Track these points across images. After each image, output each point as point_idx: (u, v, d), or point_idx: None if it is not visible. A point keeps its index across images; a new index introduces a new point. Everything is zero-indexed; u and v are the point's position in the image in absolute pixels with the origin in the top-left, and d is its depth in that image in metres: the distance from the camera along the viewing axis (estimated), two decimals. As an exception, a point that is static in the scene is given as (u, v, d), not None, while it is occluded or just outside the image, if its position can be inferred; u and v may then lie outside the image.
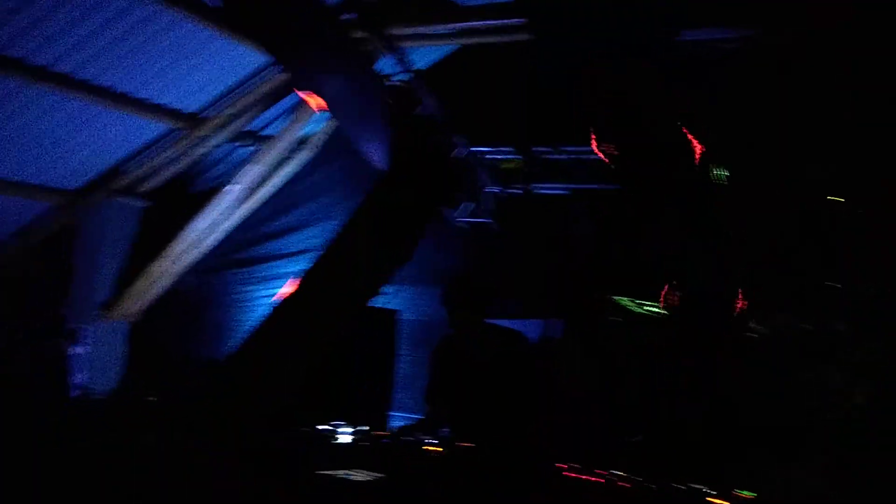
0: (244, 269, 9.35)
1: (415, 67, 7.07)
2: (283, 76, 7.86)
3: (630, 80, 5.95)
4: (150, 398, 4.58)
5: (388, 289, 6.55)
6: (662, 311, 7.85)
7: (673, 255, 7.32)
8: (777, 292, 7.42)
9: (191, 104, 8.08)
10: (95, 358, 8.43)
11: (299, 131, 8.41)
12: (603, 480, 4.07)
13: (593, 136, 5.81)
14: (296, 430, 4.86)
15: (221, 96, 8.13)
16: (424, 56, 8.12)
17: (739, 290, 7.49)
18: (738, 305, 7.52)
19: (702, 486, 3.82)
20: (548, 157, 7.81)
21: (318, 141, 8.82)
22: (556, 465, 4.21)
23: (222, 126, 8.30)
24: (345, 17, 7.00)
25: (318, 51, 6.32)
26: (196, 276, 9.06)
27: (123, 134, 8.05)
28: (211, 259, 9.04)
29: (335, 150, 8.86)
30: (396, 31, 7.11)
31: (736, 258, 7.00)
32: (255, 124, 8.64)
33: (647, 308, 8.30)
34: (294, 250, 9.26)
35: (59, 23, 6.47)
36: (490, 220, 7.79)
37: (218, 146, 8.57)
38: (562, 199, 8.07)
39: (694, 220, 6.87)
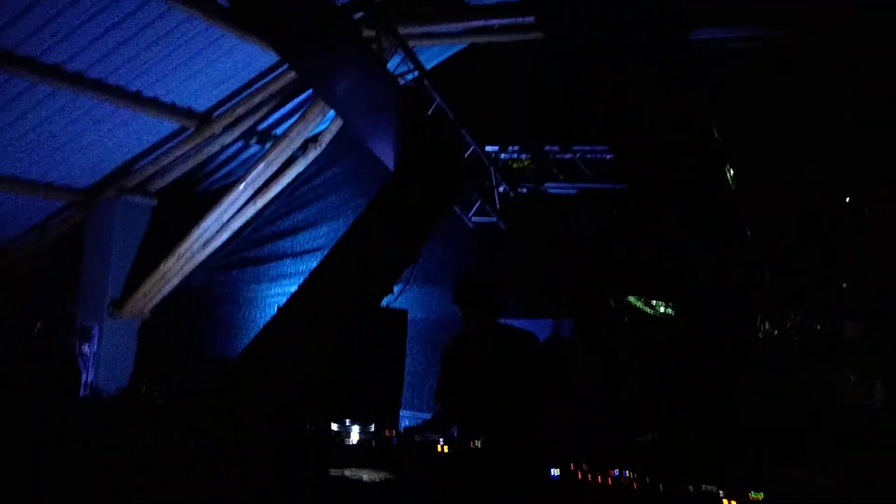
0: (254, 268, 9.36)
1: (425, 66, 7.07)
2: (293, 75, 7.88)
3: (631, 79, 5.95)
4: (158, 399, 4.59)
5: (397, 287, 6.54)
6: (672, 312, 7.84)
7: (676, 255, 7.32)
8: (783, 293, 7.42)
9: (201, 103, 8.11)
10: (105, 356, 8.48)
11: (308, 130, 8.42)
12: (613, 481, 4.07)
13: None
14: (305, 429, 4.86)
15: (231, 95, 8.16)
16: (434, 55, 8.12)
17: (747, 290, 7.49)
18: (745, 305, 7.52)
19: (714, 487, 3.80)
20: (557, 156, 7.80)
21: (326, 140, 8.83)
22: (568, 464, 4.21)
23: (232, 125, 8.32)
24: (355, 16, 7.02)
25: (327, 50, 6.32)
26: (206, 274, 9.10)
27: (134, 132, 8.08)
28: (220, 257, 9.07)
29: (344, 149, 8.87)
30: (406, 30, 7.11)
31: (740, 257, 6.99)
32: (265, 123, 8.66)
33: (658, 308, 8.29)
34: (303, 249, 9.27)
35: (71, 22, 6.50)
36: (498, 219, 7.78)
37: (228, 145, 8.60)
38: (570, 198, 8.06)
39: (696, 219, 6.87)
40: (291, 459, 4.25)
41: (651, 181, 6.65)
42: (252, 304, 9.30)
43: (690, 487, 3.70)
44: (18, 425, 4.31)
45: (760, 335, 7.38)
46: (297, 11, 5.95)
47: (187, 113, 8.12)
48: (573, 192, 7.94)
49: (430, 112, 6.69)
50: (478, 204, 7.59)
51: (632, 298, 8.47)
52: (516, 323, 5.23)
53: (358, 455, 4.48)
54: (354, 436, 4.63)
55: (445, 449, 4.31)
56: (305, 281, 6.90)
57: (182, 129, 8.29)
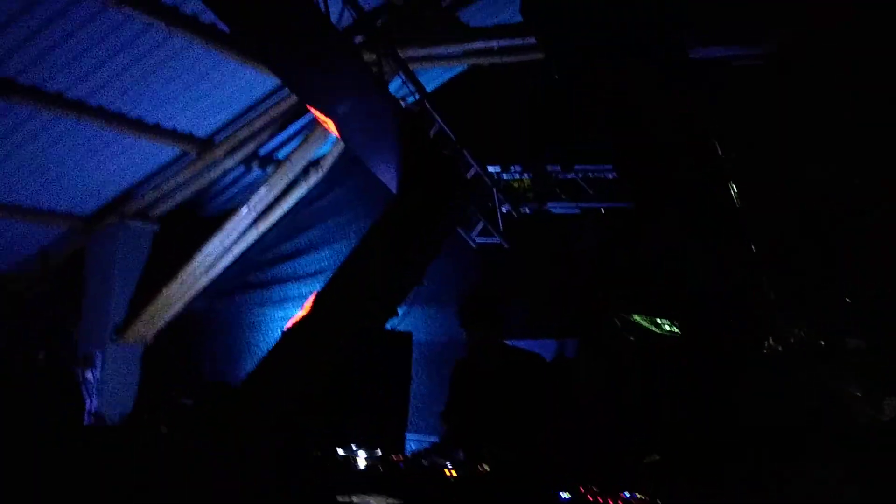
0: (257, 292, 9.35)
1: (426, 88, 7.08)
2: (294, 99, 7.89)
3: (631, 79, 5.93)
4: (163, 427, 4.56)
5: (402, 310, 6.52)
6: (678, 330, 7.81)
7: (677, 256, 7.29)
8: (784, 298, 7.39)
9: (202, 128, 8.12)
10: (109, 382, 8.44)
11: (310, 154, 8.44)
12: (623, 503, 4.03)
13: None
14: (312, 455, 4.83)
15: (233, 120, 8.18)
16: (435, 77, 8.14)
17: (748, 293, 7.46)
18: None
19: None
20: (559, 175, 7.80)
21: (328, 163, 8.83)
22: (578, 486, 4.17)
23: (234, 150, 8.33)
24: (355, 39, 7.03)
25: (328, 74, 6.33)
26: (209, 299, 9.07)
27: (136, 158, 8.09)
28: (224, 282, 9.05)
29: (346, 173, 8.87)
30: (407, 53, 7.13)
31: (740, 260, 6.96)
32: (267, 147, 8.68)
33: (663, 326, 8.26)
34: (307, 272, 9.26)
35: (72, 49, 6.52)
36: (502, 240, 7.76)
37: (229, 170, 8.60)
38: (573, 217, 8.05)
39: (697, 221, 6.85)
40: (298, 486, 4.22)
41: (651, 183, 6.62)
42: (256, 329, 9.28)
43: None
44: (24, 454, 4.28)
45: (765, 350, 7.35)
46: (297, 36, 5.96)
47: (188, 138, 8.13)
48: (576, 211, 7.94)
49: (431, 134, 6.68)
50: (481, 224, 7.58)
51: (637, 317, 8.44)
52: (521, 343, 5.21)
53: (365, 481, 4.44)
54: (361, 461, 4.59)
55: (453, 473, 4.27)
56: (313, 303, 6.88)
57: (183, 155, 8.30)
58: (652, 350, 8.11)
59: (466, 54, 7.58)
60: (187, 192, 8.65)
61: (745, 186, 6.35)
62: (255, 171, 8.96)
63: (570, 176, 7.71)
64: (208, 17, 6.58)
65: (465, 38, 7.53)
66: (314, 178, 8.85)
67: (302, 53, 6.11)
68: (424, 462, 4.50)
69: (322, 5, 6.07)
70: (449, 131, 6.80)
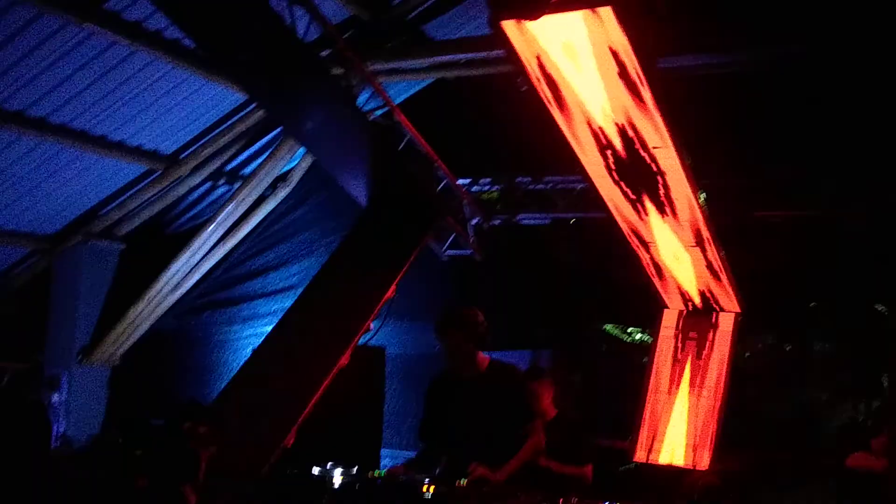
0: (226, 310, 9.25)
1: (394, 101, 7.07)
2: (260, 114, 7.83)
3: None
4: (136, 450, 4.46)
5: (375, 324, 6.48)
6: (647, 339, 7.86)
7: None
8: (758, 311, 7.46)
9: (168, 145, 8.02)
10: (75, 405, 8.28)
11: (277, 169, 8.36)
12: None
13: None
14: (287, 474, 4.76)
15: (198, 136, 8.07)
16: (403, 90, 8.12)
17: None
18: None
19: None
20: (529, 187, 7.82)
21: (296, 178, 8.76)
22: (557, 498, 4.16)
23: (200, 166, 8.23)
24: (322, 53, 7.00)
25: (296, 88, 6.29)
26: (177, 317, 8.95)
27: (100, 177, 7.97)
28: (191, 300, 8.94)
29: (314, 188, 8.82)
30: (374, 67, 7.11)
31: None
32: (233, 163, 8.59)
33: (634, 335, 8.31)
34: (276, 289, 9.19)
35: (33, 68, 6.40)
36: (473, 252, 7.76)
37: (195, 186, 8.50)
38: (544, 228, 8.08)
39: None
40: (274, 506, 4.15)
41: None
42: (225, 347, 9.18)
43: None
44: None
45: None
46: (264, 51, 5.92)
47: (154, 155, 8.02)
48: (546, 222, 7.97)
49: (401, 147, 6.66)
50: (452, 237, 7.57)
51: (608, 327, 8.49)
52: (495, 355, 5.18)
53: (342, 499, 4.39)
54: (337, 479, 4.52)
55: (431, 489, 4.23)
56: (280, 321, 6.82)
57: (149, 172, 8.18)
58: (625, 361, 8.17)
59: (433, 67, 7.56)
60: (153, 210, 8.53)
61: (713, 199, 6.39)
62: (222, 188, 8.86)
63: (539, 187, 7.73)
64: (172, 32, 6.51)
65: (432, 51, 7.52)
66: (282, 193, 8.77)
67: (269, 67, 6.08)
68: (402, 478, 4.46)
69: (288, 19, 6.04)
70: (418, 144, 6.78)
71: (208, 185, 8.69)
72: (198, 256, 8.51)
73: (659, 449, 6.99)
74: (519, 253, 8.12)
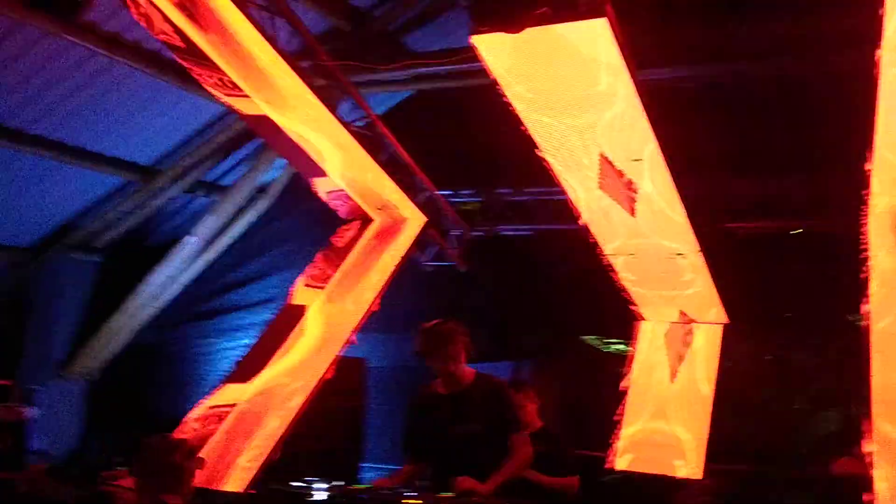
0: (205, 322, 9.18)
1: (375, 112, 7.05)
2: (240, 125, 7.79)
3: None
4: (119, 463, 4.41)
5: (356, 336, 6.44)
6: (628, 350, 7.87)
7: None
8: (737, 321, 7.51)
9: (146, 156, 7.97)
10: (52, 419, 8.17)
11: (257, 180, 8.33)
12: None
13: None
14: (269, 489, 4.72)
15: (177, 147, 8.04)
16: (385, 100, 8.12)
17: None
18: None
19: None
20: (510, 198, 7.83)
21: (276, 190, 8.73)
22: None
23: (179, 177, 8.19)
24: (302, 64, 6.97)
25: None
26: (155, 330, 8.86)
27: (78, 188, 7.91)
28: (171, 313, 8.85)
29: (294, 200, 8.77)
30: (354, 78, 7.09)
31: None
32: (213, 174, 8.55)
33: (614, 346, 8.32)
34: (255, 301, 9.13)
35: (9, 79, 6.36)
36: (455, 263, 7.75)
37: (174, 198, 8.45)
38: (525, 239, 8.08)
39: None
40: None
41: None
42: (203, 360, 9.10)
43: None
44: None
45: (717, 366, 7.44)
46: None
47: (132, 167, 7.98)
48: (527, 233, 7.97)
49: (383, 158, 6.64)
50: (434, 249, 7.56)
51: (588, 338, 8.50)
52: (476, 367, 5.17)
53: (325, 514, 4.35)
54: (319, 494, 4.48)
55: (415, 503, 4.20)
56: (262, 338, 6.76)
57: (127, 184, 8.13)
58: (604, 369, 8.19)
59: (414, 79, 7.56)
60: (132, 222, 8.47)
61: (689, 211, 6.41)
62: (202, 199, 8.81)
63: (520, 198, 7.74)
64: (152, 44, 6.47)
65: (412, 62, 7.51)
66: (262, 205, 8.73)
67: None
68: (386, 491, 4.42)
69: (269, 29, 6.01)
70: (400, 155, 6.78)
71: (187, 196, 8.64)
72: (177, 268, 8.46)
73: (639, 458, 6.99)
74: (500, 264, 8.12)
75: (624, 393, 7.41)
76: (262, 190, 8.65)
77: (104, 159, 7.68)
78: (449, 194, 7.74)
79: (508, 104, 5.15)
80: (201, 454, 4.75)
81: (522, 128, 5.33)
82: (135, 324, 8.55)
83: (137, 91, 7.01)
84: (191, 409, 6.20)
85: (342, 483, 4.61)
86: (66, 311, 8.46)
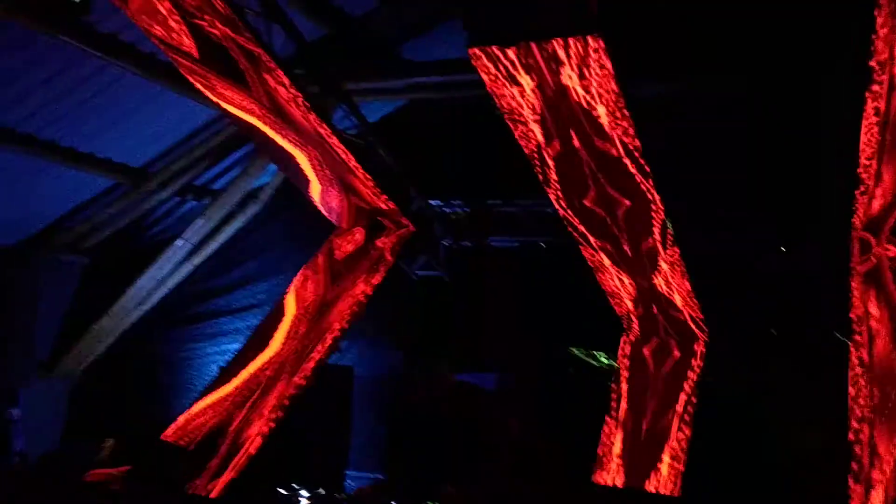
0: (191, 326, 9.14)
1: (368, 120, 7.08)
2: (232, 130, 7.79)
3: None
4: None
5: (343, 344, 6.45)
6: (614, 363, 7.89)
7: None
8: (721, 338, 7.55)
9: (137, 158, 7.95)
10: (34, 420, 8.10)
11: (248, 185, 8.32)
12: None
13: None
14: (254, 495, 4.71)
15: (169, 150, 8.03)
16: (378, 109, 8.14)
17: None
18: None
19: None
20: (499, 209, 7.86)
21: (266, 195, 8.71)
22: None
23: (169, 180, 8.16)
24: (297, 71, 6.98)
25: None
26: (141, 333, 8.82)
27: (67, 189, 7.87)
28: (157, 316, 8.81)
29: (283, 205, 8.76)
30: (349, 86, 7.12)
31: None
32: (203, 178, 8.53)
33: (600, 359, 8.34)
34: (241, 306, 9.11)
35: (1, 78, 6.32)
36: (443, 273, 7.77)
37: (164, 200, 8.42)
38: (513, 250, 8.11)
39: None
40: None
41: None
42: (189, 364, 9.07)
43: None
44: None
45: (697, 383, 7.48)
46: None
47: (123, 168, 7.95)
48: (515, 245, 8.00)
49: (373, 165, 6.67)
50: (423, 258, 7.57)
51: (574, 350, 8.52)
52: (462, 377, 5.19)
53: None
54: (304, 501, 4.49)
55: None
56: (248, 340, 6.76)
57: (117, 185, 8.10)
58: (590, 382, 8.21)
59: (408, 88, 7.59)
60: (120, 224, 8.43)
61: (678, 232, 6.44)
62: (191, 203, 8.79)
63: (510, 210, 7.77)
64: (147, 46, 6.46)
65: (408, 72, 7.54)
66: (252, 210, 8.71)
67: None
68: (371, 500, 4.43)
69: (265, 36, 6.03)
70: (391, 163, 6.80)
71: (177, 199, 8.62)
72: (164, 272, 8.43)
73: (624, 473, 7.01)
74: (488, 274, 8.14)
75: (610, 407, 7.43)
76: (252, 195, 8.63)
77: (95, 160, 7.65)
78: (439, 203, 7.78)
79: (501, 115, 5.19)
80: (186, 458, 4.75)
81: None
82: (121, 326, 8.51)
83: (132, 93, 6.99)
84: (176, 412, 6.19)
85: (325, 492, 4.62)
86: (49, 312, 8.39)
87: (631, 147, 5.31)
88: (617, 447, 7.25)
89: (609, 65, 4.45)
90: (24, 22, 5.77)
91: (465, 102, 7.44)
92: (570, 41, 4.29)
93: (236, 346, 7.26)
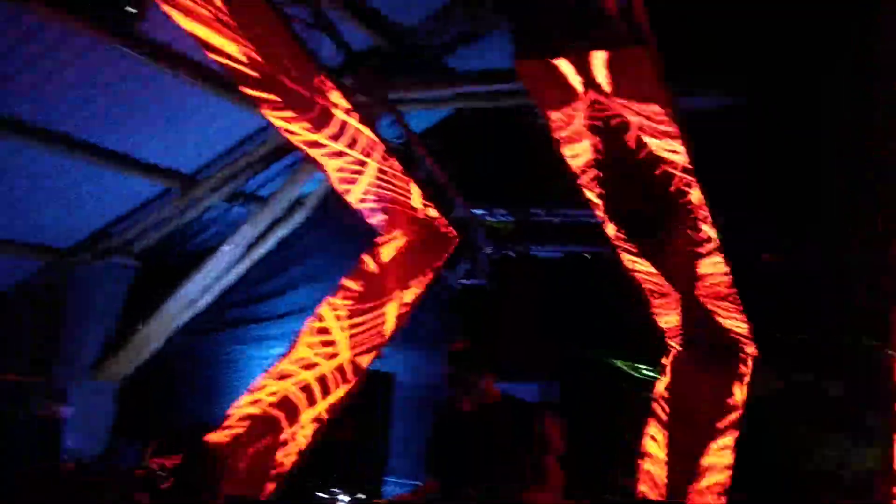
0: (236, 330, 9.27)
1: (414, 130, 7.13)
2: (281, 138, 7.89)
3: None
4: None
5: (386, 350, 6.50)
6: (657, 375, 7.84)
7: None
8: (771, 351, 7.46)
9: (187, 165, 8.10)
10: (84, 419, 8.29)
11: (295, 192, 8.43)
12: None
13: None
14: (292, 498, 4.76)
15: (218, 157, 8.16)
16: (424, 118, 8.20)
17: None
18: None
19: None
20: (541, 219, 7.87)
21: (312, 202, 8.82)
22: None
23: (218, 187, 8.30)
24: (345, 80, 7.08)
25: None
26: (188, 336, 8.97)
27: (119, 194, 8.04)
28: (203, 319, 8.96)
29: (329, 212, 8.86)
30: (395, 95, 7.19)
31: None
32: (251, 185, 8.66)
33: (644, 371, 8.30)
34: (287, 310, 9.21)
35: (57, 84, 6.49)
36: (485, 282, 7.79)
37: (213, 206, 8.56)
38: (555, 260, 8.11)
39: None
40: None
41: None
42: (234, 367, 9.19)
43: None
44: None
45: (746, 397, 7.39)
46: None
47: (174, 174, 8.10)
48: (558, 255, 8.01)
49: (419, 175, 6.73)
50: (465, 267, 7.60)
51: (618, 362, 8.49)
52: (503, 387, 5.18)
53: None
54: (344, 504, 4.53)
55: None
56: (292, 344, 6.85)
57: (167, 191, 8.26)
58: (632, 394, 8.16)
59: (455, 98, 7.63)
60: (169, 229, 8.59)
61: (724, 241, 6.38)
62: (239, 209, 8.92)
63: (554, 220, 7.77)
64: (198, 55, 6.59)
65: (453, 82, 7.59)
66: (298, 217, 8.83)
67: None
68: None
69: (312, 45, 6.12)
70: (437, 172, 6.85)
71: (226, 205, 8.76)
72: (212, 276, 8.57)
73: (668, 488, 6.96)
74: (531, 284, 8.15)
75: (652, 420, 7.39)
76: (299, 202, 8.75)
77: (147, 166, 7.81)
78: (483, 213, 7.81)
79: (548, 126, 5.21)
80: (231, 460, 4.83)
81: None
82: (168, 329, 8.66)
83: (183, 100, 7.13)
84: (221, 414, 6.29)
85: (364, 496, 4.65)
86: (102, 314, 8.58)
87: (677, 162, 5.29)
88: (659, 460, 7.20)
89: (655, 77, 4.43)
90: (83, 32, 5.94)
91: (513, 111, 7.48)
92: (616, 53, 4.29)
93: (280, 350, 7.34)
